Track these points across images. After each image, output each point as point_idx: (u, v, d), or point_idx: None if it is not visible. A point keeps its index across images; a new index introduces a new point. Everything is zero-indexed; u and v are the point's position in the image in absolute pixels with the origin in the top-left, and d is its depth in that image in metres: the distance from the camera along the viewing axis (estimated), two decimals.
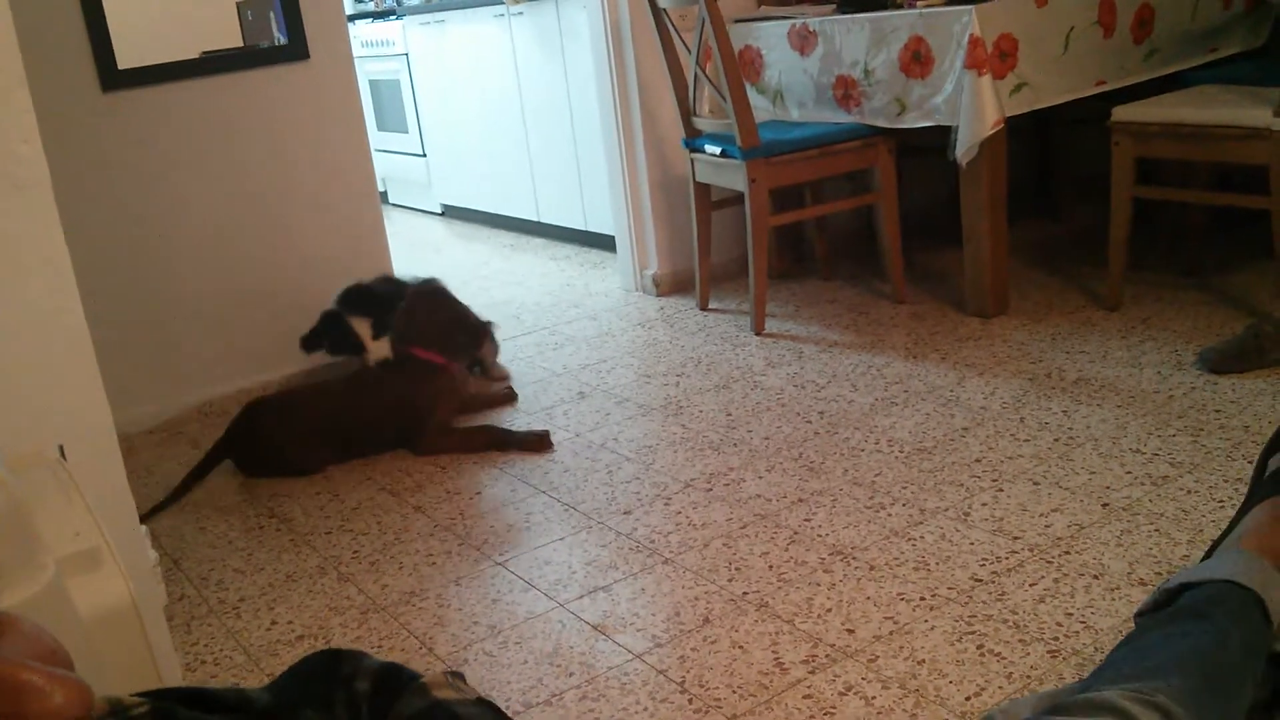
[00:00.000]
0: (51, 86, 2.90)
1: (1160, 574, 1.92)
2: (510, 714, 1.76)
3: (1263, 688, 1.41)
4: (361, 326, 3.11)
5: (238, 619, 2.18)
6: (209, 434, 3.16)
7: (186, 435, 3.18)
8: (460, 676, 1.06)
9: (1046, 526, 2.13)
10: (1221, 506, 2.11)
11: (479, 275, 4.70)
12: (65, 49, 2.95)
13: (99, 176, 3.04)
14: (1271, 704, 1.44)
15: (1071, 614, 1.85)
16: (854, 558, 2.11)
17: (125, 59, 3.02)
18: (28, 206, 1.56)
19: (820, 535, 2.21)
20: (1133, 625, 1.54)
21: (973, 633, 1.83)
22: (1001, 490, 2.29)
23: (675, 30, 3.50)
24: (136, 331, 3.14)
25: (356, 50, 5.49)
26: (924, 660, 1.78)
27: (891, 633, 1.86)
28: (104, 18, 2.97)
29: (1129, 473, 2.30)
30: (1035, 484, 2.30)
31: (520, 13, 4.70)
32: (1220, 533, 1.77)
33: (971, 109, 3.01)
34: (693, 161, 3.60)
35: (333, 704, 0.98)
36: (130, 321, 3.13)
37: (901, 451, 2.53)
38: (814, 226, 3.92)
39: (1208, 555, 1.72)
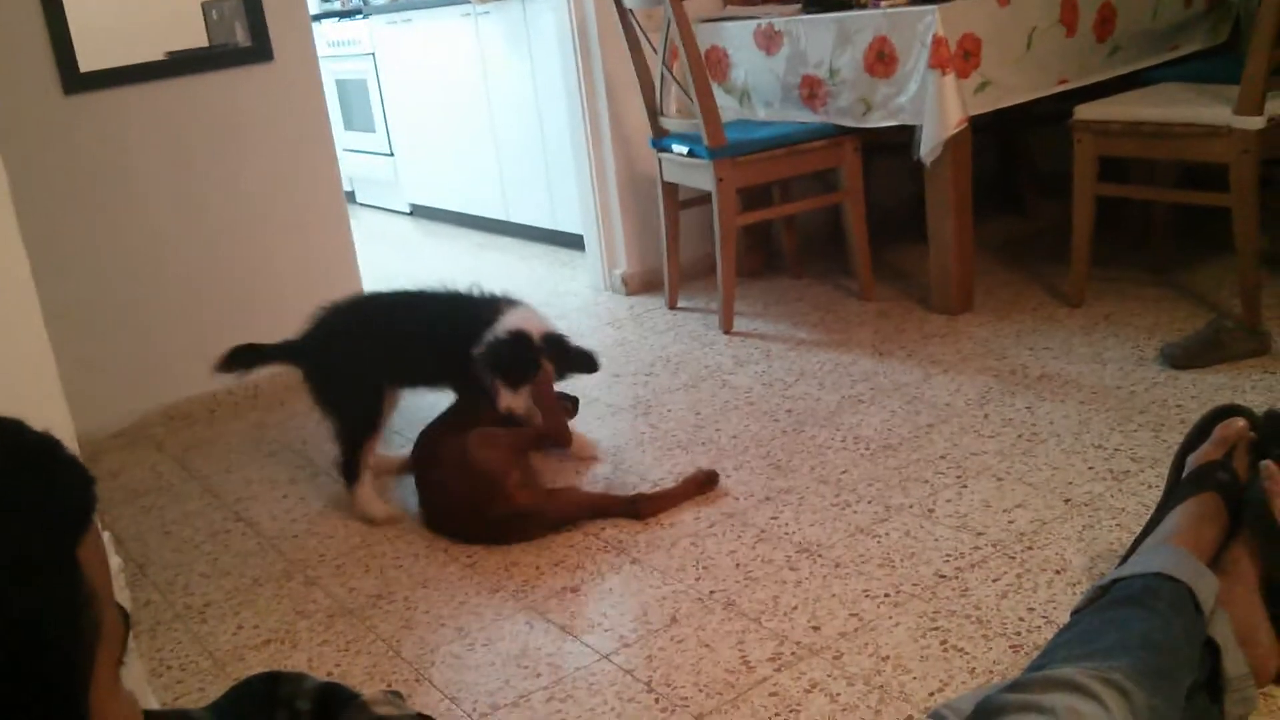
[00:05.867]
0: (11, 90, 2.87)
1: None
2: (477, 715, 1.77)
3: (1199, 671, 1.47)
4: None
5: (204, 624, 2.17)
6: (175, 438, 3.15)
7: (152, 439, 3.16)
8: (398, 694, 1.08)
9: (1010, 522, 2.15)
10: None
11: (449, 275, 4.67)
12: (25, 51, 2.91)
13: (61, 180, 3.00)
14: (1207, 685, 1.50)
15: (1034, 609, 1.87)
16: (820, 555, 2.12)
17: (87, 61, 2.99)
18: None
19: (787, 533, 2.22)
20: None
21: (936, 629, 1.85)
22: (965, 486, 2.31)
23: (642, 30, 3.50)
24: (101, 336, 3.11)
25: (322, 50, 5.47)
26: (888, 657, 1.79)
27: (856, 629, 1.87)
28: (65, 19, 2.94)
29: (1091, 468, 2.32)
30: (999, 480, 2.32)
31: (487, 12, 4.69)
32: (1140, 532, 1.81)
33: (935, 108, 3.03)
34: (660, 161, 3.61)
35: None
36: (95, 326, 3.10)
37: (867, 449, 2.54)
38: (782, 225, 3.94)
39: (1129, 554, 1.76)
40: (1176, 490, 1.79)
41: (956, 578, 1.99)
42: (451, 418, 2.55)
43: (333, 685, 1.05)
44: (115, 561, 1.98)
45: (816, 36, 3.34)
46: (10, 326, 1.61)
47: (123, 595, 2.00)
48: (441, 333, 2.54)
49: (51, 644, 0.63)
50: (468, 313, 2.54)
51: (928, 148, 3.09)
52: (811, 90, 3.42)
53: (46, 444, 0.71)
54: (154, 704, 1.83)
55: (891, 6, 3.14)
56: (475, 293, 2.62)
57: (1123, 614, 1.48)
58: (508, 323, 2.47)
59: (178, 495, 2.78)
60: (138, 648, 2.04)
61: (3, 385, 1.62)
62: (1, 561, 0.62)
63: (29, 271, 1.62)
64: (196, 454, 3.03)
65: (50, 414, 1.68)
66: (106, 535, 1.91)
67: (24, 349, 1.63)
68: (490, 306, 2.55)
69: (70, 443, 1.74)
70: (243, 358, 2.59)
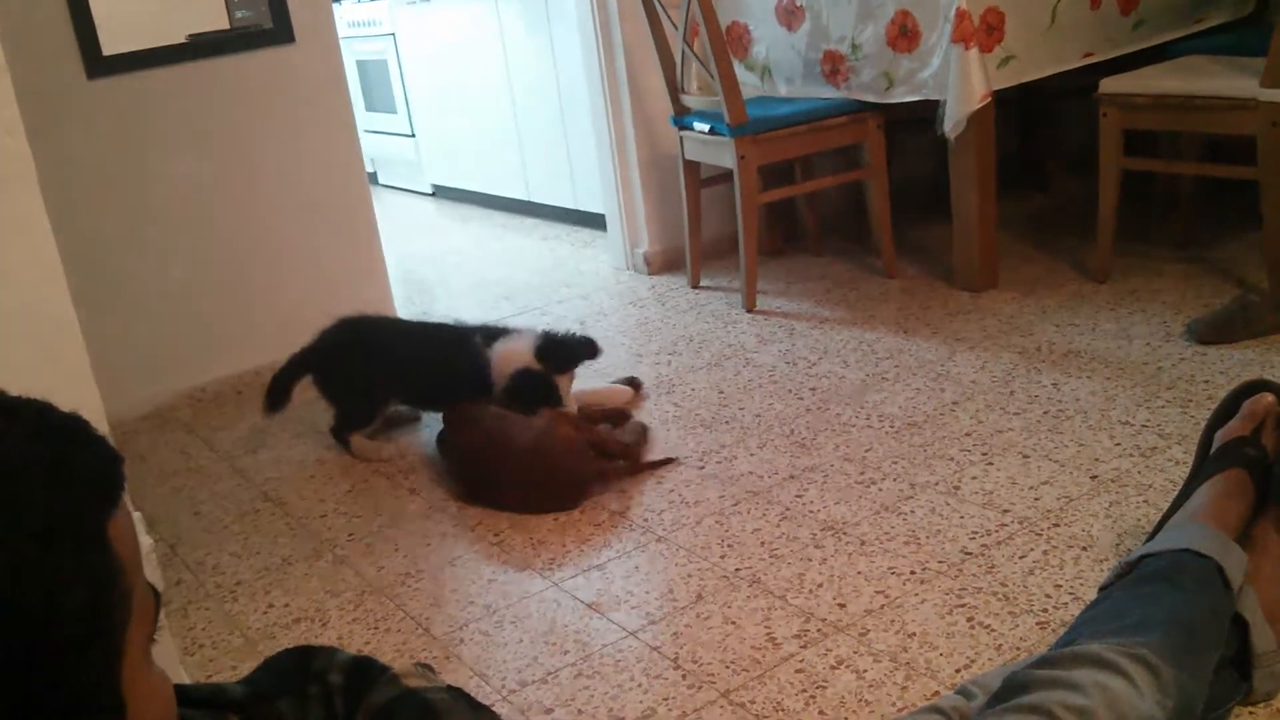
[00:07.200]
0: (35, 75, 2.88)
1: None
2: (506, 692, 1.78)
3: (1227, 647, 1.47)
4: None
5: (235, 603, 2.19)
6: (203, 419, 3.18)
7: (181, 421, 3.18)
8: (429, 668, 1.09)
9: (1036, 499, 2.15)
10: None
11: (472, 256, 4.71)
12: (49, 36, 2.93)
13: (86, 165, 3.02)
14: (1235, 661, 1.50)
15: (1060, 585, 1.87)
16: (845, 533, 2.12)
17: (110, 45, 3.00)
18: (12, 199, 1.55)
19: (812, 511, 2.22)
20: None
21: (963, 605, 1.85)
22: (991, 464, 2.31)
23: (662, 7, 3.49)
24: (128, 319, 3.14)
25: (342, 30, 5.46)
26: (914, 633, 1.79)
27: (882, 606, 1.88)
28: (88, 3, 2.95)
29: (1118, 444, 2.31)
30: (1025, 457, 2.31)
31: None
32: (1167, 508, 1.81)
33: (959, 83, 3.01)
34: (681, 139, 3.60)
35: (307, 696, 1.01)
36: (121, 309, 3.12)
37: (892, 426, 2.54)
38: (804, 202, 3.92)
39: (1156, 530, 1.76)
40: (1204, 466, 1.79)
41: (983, 555, 1.99)
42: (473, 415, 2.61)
43: (364, 659, 1.07)
44: (147, 542, 2.00)
45: (838, 11, 3.32)
46: (39, 309, 1.63)
47: (155, 575, 2.03)
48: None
49: (81, 619, 0.64)
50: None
51: (951, 123, 3.07)
52: (833, 66, 3.40)
53: (73, 423, 0.72)
54: (186, 681, 1.86)
55: None
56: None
57: (1150, 590, 1.48)
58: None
59: (207, 476, 2.81)
60: (170, 626, 2.06)
61: (33, 368, 1.63)
62: (31, 536, 0.64)
63: (57, 255, 1.63)
64: (225, 435, 3.05)
65: (81, 396, 1.70)
66: (137, 515, 1.93)
67: (53, 332, 1.65)
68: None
69: (101, 424, 1.76)
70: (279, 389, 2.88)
